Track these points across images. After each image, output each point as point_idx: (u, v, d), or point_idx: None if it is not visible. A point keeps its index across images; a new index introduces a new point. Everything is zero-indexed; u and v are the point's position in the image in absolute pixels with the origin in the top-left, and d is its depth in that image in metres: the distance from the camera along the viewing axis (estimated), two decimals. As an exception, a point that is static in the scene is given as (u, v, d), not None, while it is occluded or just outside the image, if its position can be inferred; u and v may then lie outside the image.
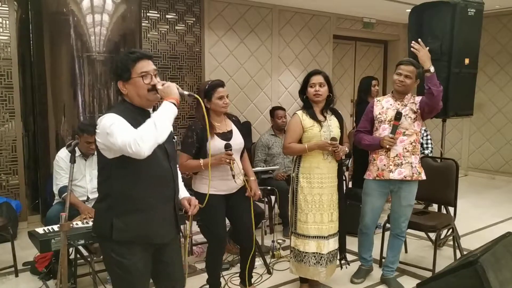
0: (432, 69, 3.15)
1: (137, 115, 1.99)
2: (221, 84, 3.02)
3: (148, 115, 2.06)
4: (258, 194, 3.14)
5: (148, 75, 2.01)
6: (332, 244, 3.18)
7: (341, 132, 3.18)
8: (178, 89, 2.01)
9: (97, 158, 2.08)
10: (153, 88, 2.01)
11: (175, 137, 2.28)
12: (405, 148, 3.26)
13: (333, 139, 3.04)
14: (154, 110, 2.12)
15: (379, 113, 3.34)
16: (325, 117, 3.15)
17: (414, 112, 3.27)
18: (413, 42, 3.27)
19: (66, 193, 3.38)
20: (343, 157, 3.25)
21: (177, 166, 2.29)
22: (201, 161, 2.91)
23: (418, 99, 3.31)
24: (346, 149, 3.17)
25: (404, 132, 3.25)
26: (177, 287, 2.28)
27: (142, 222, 2.02)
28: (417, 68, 3.26)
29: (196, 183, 3.06)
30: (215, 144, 2.92)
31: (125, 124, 1.91)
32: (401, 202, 3.35)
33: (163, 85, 2.00)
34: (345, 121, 3.28)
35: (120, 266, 2.02)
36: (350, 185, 5.27)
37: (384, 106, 3.35)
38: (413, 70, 3.24)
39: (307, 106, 3.17)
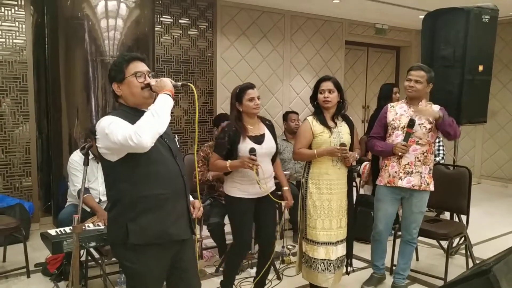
0: (441, 114, 3.17)
1: (133, 117, 1.98)
2: (250, 86, 3.05)
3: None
4: (290, 203, 3.21)
5: (142, 74, 2.04)
6: (340, 250, 3.17)
7: (352, 138, 3.17)
8: (171, 81, 2.05)
9: (101, 166, 2.08)
10: (147, 86, 2.04)
11: (176, 136, 2.31)
12: (417, 158, 3.24)
13: (342, 144, 3.03)
14: None
15: (393, 119, 3.32)
16: (335, 123, 3.15)
17: (430, 123, 3.24)
18: (412, 110, 3.27)
19: (86, 194, 3.46)
20: (353, 163, 3.24)
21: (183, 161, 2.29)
22: (228, 162, 2.93)
23: (436, 109, 3.27)
24: (357, 155, 3.15)
25: (418, 141, 3.23)
26: None
27: (157, 221, 2.00)
28: (427, 72, 3.25)
29: (227, 186, 3.10)
30: (247, 147, 2.95)
31: (123, 121, 1.92)
32: (412, 209, 3.33)
33: (156, 81, 2.04)
34: (356, 127, 3.27)
35: (134, 273, 2.02)
36: (361, 192, 5.23)
37: (398, 112, 3.33)
38: (424, 75, 3.23)
39: (318, 112, 3.17)
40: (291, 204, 3.24)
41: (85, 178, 2.04)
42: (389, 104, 3.45)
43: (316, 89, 3.16)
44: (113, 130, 1.86)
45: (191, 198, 2.29)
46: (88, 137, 3.67)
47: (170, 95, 1.99)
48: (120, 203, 2.00)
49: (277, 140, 3.19)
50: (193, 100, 6.03)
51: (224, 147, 2.98)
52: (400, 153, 3.20)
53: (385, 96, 4.87)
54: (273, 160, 3.17)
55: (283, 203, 3.21)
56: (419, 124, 3.22)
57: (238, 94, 3.03)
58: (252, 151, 2.92)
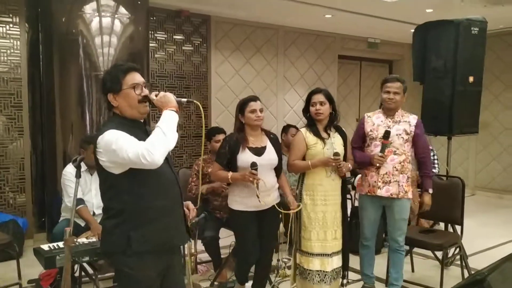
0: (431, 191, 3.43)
1: (131, 128, 2.01)
2: (253, 98, 3.09)
3: (141, 126, 2.12)
4: (294, 206, 3.14)
5: (139, 85, 2.04)
6: (336, 262, 3.17)
7: (345, 149, 3.19)
8: (175, 97, 2.05)
9: (100, 178, 2.08)
10: (144, 99, 2.04)
11: None
12: (395, 167, 3.31)
13: (336, 154, 3.05)
14: (144, 121, 2.19)
15: (371, 130, 3.37)
16: (328, 134, 3.18)
17: (407, 134, 3.31)
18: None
19: (80, 206, 3.45)
20: (348, 175, 3.26)
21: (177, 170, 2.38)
22: (230, 174, 2.97)
23: (413, 121, 3.36)
24: (350, 166, 3.17)
25: (395, 151, 3.30)
26: None
27: (160, 229, 2.04)
28: (403, 83, 3.32)
29: (229, 199, 3.14)
30: (246, 157, 2.99)
31: (130, 137, 1.92)
32: (395, 217, 3.38)
33: (156, 95, 2.03)
34: (349, 139, 3.30)
35: (132, 280, 2.03)
36: (356, 204, 5.22)
37: (375, 122, 3.38)
38: (400, 85, 3.30)
39: (311, 123, 3.21)
40: (296, 206, 3.14)
41: (77, 190, 2.04)
42: (365, 115, 3.48)
43: (308, 102, 3.20)
44: (122, 147, 1.87)
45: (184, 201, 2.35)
46: (81, 147, 3.66)
47: (175, 111, 2.00)
48: (123, 213, 2.01)
49: (281, 154, 3.20)
50: (188, 115, 6.12)
51: (224, 157, 3.03)
52: (377, 164, 3.26)
53: None
54: (278, 173, 3.18)
55: (290, 212, 3.14)
56: (396, 135, 3.29)
57: (241, 106, 3.08)
58: (254, 165, 2.94)
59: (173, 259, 2.21)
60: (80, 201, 3.50)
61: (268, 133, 3.20)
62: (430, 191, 3.43)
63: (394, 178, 3.30)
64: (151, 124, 4.77)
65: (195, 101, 2.24)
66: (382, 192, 3.31)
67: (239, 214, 3.05)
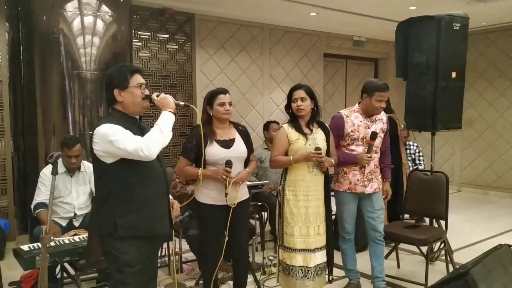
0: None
1: (128, 123, 2.24)
2: (222, 91, 3.04)
3: (136, 122, 2.34)
4: (241, 179, 2.99)
5: (143, 85, 2.30)
6: (319, 258, 3.15)
7: (328, 145, 3.18)
8: (173, 100, 2.31)
9: (93, 166, 2.28)
10: (146, 98, 2.29)
11: None
12: (375, 165, 3.44)
13: (317, 149, 3.03)
14: (140, 118, 2.41)
15: (352, 131, 3.38)
16: (311, 130, 3.17)
17: (383, 132, 3.46)
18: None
19: (40, 209, 3.41)
20: (333, 170, 3.25)
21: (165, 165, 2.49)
22: (200, 171, 2.88)
23: (384, 118, 3.48)
24: (332, 161, 3.16)
25: (376, 150, 3.41)
26: None
27: (143, 217, 2.24)
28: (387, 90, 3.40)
29: (197, 191, 3.05)
30: (214, 151, 2.94)
31: (126, 131, 2.15)
32: (374, 206, 3.45)
33: (158, 96, 2.29)
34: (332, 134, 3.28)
35: (119, 261, 2.20)
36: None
37: (355, 123, 3.39)
38: (386, 95, 3.37)
39: (293, 119, 3.20)
40: (241, 179, 2.99)
41: (53, 187, 2.01)
42: (343, 113, 3.44)
43: (290, 98, 3.18)
44: (120, 139, 2.10)
45: (171, 198, 2.58)
46: (60, 149, 3.60)
47: (173, 113, 2.26)
48: (111, 200, 2.21)
49: (251, 146, 3.16)
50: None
51: (192, 151, 2.94)
52: (365, 164, 3.34)
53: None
54: (246, 165, 3.12)
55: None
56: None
57: (209, 99, 3.03)
58: (229, 163, 2.91)
59: (154, 249, 2.42)
60: (40, 205, 3.46)
61: (236, 125, 3.16)
62: (390, 180, 3.64)
63: (375, 175, 3.44)
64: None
65: (191, 105, 2.48)
66: (368, 189, 3.39)
67: (205, 207, 2.98)
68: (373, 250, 3.50)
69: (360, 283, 3.63)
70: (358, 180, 3.38)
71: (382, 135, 3.46)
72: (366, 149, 3.34)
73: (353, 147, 3.38)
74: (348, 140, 3.39)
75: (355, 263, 3.61)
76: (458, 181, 8.01)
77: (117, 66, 2.35)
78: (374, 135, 3.33)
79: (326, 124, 3.29)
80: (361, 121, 3.39)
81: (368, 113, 3.40)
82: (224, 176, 2.87)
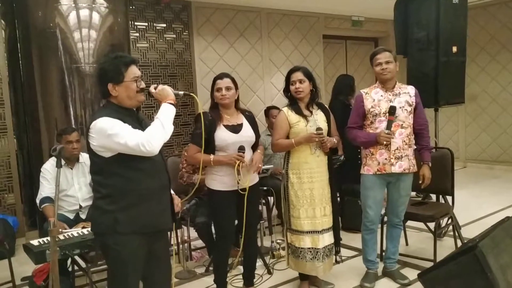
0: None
1: (124, 116, 2.14)
2: (219, 76, 3.04)
3: (134, 115, 2.25)
4: (257, 166, 3.01)
5: (139, 79, 2.19)
6: (327, 239, 3.15)
7: (328, 125, 3.17)
8: (172, 90, 2.23)
9: (90, 161, 2.20)
10: (142, 91, 2.20)
11: None
12: (404, 141, 3.20)
13: (318, 129, 3.02)
14: (138, 110, 2.32)
15: (372, 107, 3.24)
16: (311, 111, 3.16)
17: (410, 105, 3.22)
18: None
19: (45, 204, 3.41)
20: (339, 152, 3.21)
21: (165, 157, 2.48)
22: (212, 157, 2.91)
23: (412, 91, 3.27)
24: (334, 140, 3.15)
25: (402, 124, 3.19)
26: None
27: (145, 212, 2.16)
28: (391, 51, 3.25)
29: (207, 178, 3.06)
30: (223, 135, 2.95)
31: (124, 125, 2.07)
32: (400, 193, 3.31)
33: (155, 88, 2.22)
34: (332, 116, 3.26)
35: (119, 256, 2.15)
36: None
37: (375, 98, 3.25)
38: (390, 55, 3.21)
39: (292, 102, 3.18)
40: (257, 168, 3.03)
41: (59, 180, 2.01)
42: (362, 91, 3.35)
43: (288, 81, 3.16)
44: (119, 133, 2.03)
45: (172, 193, 2.44)
46: (57, 140, 3.61)
47: (173, 104, 2.19)
48: (111, 195, 2.14)
49: (258, 131, 3.16)
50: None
51: (201, 137, 2.88)
52: (385, 142, 3.16)
53: (345, 91, 4.67)
54: (254, 150, 3.13)
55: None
56: (400, 108, 3.19)
57: (212, 85, 3.06)
58: (242, 148, 2.92)
59: (159, 245, 2.32)
60: (45, 200, 3.46)
61: (243, 111, 3.16)
62: (430, 163, 3.33)
63: (405, 153, 3.20)
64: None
65: (191, 93, 2.42)
66: (396, 168, 3.19)
67: (217, 193, 2.99)
68: (390, 232, 3.46)
69: (378, 272, 3.52)
70: (386, 159, 3.20)
71: (409, 108, 3.21)
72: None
73: (376, 125, 3.23)
74: (370, 117, 3.25)
75: (375, 254, 3.47)
76: (463, 157, 7.98)
77: (111, 57, 2.22)
78: (392, 109, 3.14)
79: (325, 105, 3.27)
80: (381, 96, 3.24)
81: (385, 85, 3.25)
82: (237, 161, 2.87)
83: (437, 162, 3.83)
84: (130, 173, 2.12)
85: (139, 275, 2.26)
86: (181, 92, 2.30)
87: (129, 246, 2.14)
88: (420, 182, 3.33)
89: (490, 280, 2.66)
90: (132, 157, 2.08)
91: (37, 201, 3.54)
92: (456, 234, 3.89)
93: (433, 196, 4.53)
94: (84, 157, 3.66)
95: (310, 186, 3.09)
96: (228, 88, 3.00)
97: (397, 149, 3.19)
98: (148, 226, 2.19)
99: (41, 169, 3.60)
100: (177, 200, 2.42)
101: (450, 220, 3.93)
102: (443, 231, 4.24)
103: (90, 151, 2.15)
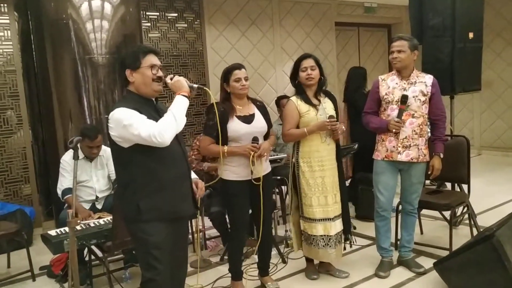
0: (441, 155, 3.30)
1: (143, 105, 2.20)
2: (237, 66, 3.02)
3: (152, 104, 2.28)
4: (265, 150, 2.97)
5: (156, 66, 2.22)
6: (339, 225, 3.19)
7: (337, 113, 3.18)
8: (187, 82, 2.26)
9: (111, 151, 2.26)
10: (158, 79, 2.23)
11: None
12: (414, 131, 3.18)
13: (331, 117, 3.04)
14: (157, 100, 2.35)
15: (386, 94, 3.24)
16: (319, 100, 3.16)
17: (424, 95, 3.18)
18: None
19: (68, 195, 3.46)
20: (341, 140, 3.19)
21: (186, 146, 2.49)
22: (225, 148, 2.91)
23: (429, 80, 3.22)
24: (343, 127, 3.17)
25: (413, 114, 3.17)
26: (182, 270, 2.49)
27: (166, 199, 2.21)
28: (409, 40, 3.19)
29: (221, 169, 3.06)
30: (236, 126, 2.95)
31: (140, 115, 2.11)
32: (412, 180, 3.29)
33: (171, 79, 2.25)
34: (340, 104, 3.27)
35: (147, 243, 2.19)
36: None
37: (390, 85, 3.25)
38: (405, 43, 3.16)
39: (300, 91, 3.18)
40: (263, 155, 2.98)
41: (76, 171, 2.03)
42: (379, 77, 3.35)
43: (297, 68, 3.14)
44: (134, 124, 2.06)
45: (196, 177, 2.48)
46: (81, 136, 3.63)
47: (187, 97, 2.22)
48: (132, 184, 2.19)
49: (270, 121, 3.16)
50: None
51: (214, 128, 2.87)
52: (394, 130, 3.16)
53: (362, 83, 4.71)
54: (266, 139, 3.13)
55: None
56: (413, 97, 3.16)
57: (225, 75, 3.03)
58: (256, 139, 2.93)
59: (181, 231, 2.40)
60: (68, 191, 3.52)
61: (254, 101, 3.15)
62: (441, 155, 3.29)
63: (414, 142, 3.18)
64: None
65: (205, 88, 2.45)
66: (402, 157, 3.19)
67: (230, 183, 2.99)
68: (404, 220, 3.44)
69: (393, 260, 3.51)
70: (393, 146, 3.21)
71: (423, 98, 3.17)
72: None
73: (388, 112, 3.23)
74: (384, 104, 3.26)
75: (389, 241, 3.45)
76: (478, 144, 7.88)
77: (132, 46, 2.28)
78: (404, 98, 3.11)
79: (332, 93, 3.28)
80: (396, 83, 3.22)
81: (401, 73, 3.22)
82: (252, 152, 2.87)
83: (453, 150, 3.79)
84: (150, 163, 2.17)
85: (174, 262, 2.32)
86: (196, 85, 2.32)
87: (156, 233, 2.19)
88: (429, 172, 3.32)
89: (507, 269, 2.64)
90: (150, 147, 2.11)
91: (59, 191, 3.59)
92: (472, 222, 3.85)
93: (448, 185, 4.50)
94: (102, 149, 3.69)
95: (321, 174, 3.11)
96: (246, 79, 3.00)
97: (405, 138, 3.18)
98: (170, 212, 2.24)
99: (61, 161, 3.66)
100: (201, 184, 2.42)
101: (465, 209, 3.89)
102: (459, 220, 4.20)
103: (110, 141, 2.20)
